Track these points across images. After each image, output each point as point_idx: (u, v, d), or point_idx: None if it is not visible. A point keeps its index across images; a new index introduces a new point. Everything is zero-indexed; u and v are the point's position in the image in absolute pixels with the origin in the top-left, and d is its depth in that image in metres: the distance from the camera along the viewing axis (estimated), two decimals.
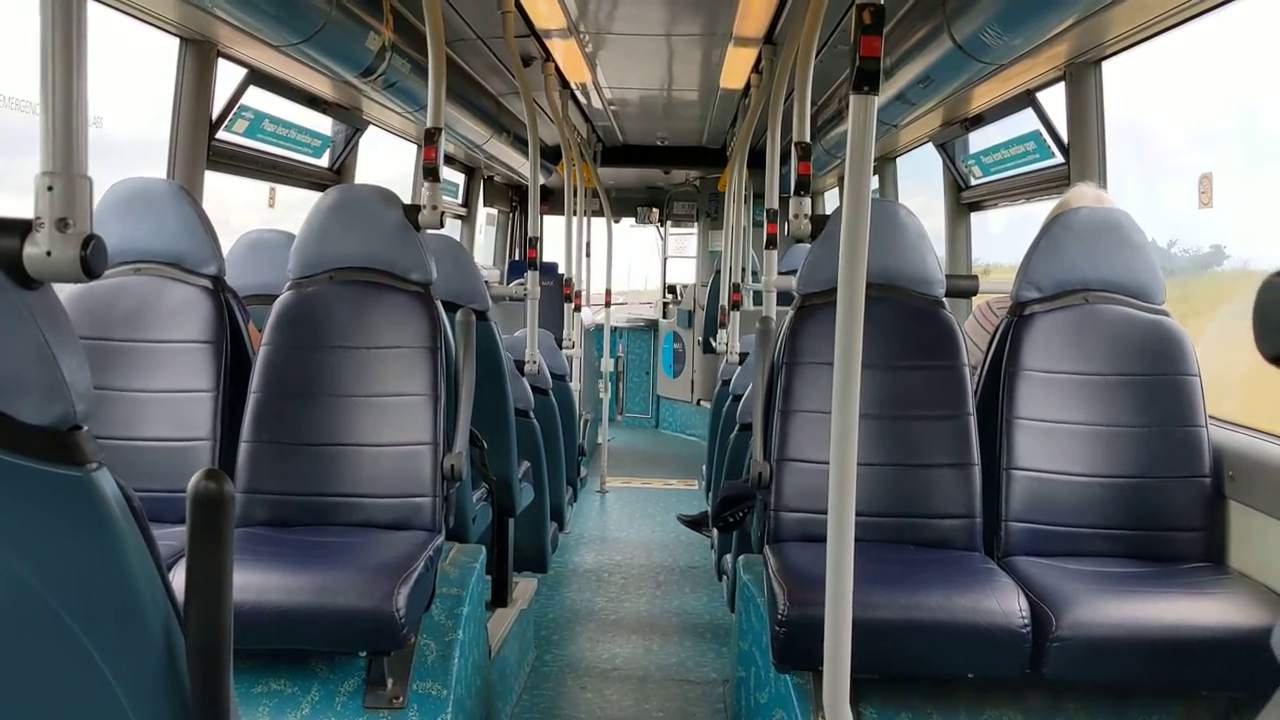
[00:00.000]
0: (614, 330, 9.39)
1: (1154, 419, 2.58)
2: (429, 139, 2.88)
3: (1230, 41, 2.91)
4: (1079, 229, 2.70)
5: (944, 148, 4.64)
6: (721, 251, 7.16)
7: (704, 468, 6.26)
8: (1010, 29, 2.83)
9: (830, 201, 8.08)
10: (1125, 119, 3.44)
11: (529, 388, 4.31)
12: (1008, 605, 2.19)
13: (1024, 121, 3.90)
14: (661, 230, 10.66)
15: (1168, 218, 3.33)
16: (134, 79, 3.62)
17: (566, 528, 5.61)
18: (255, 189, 4.22)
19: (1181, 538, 2.52)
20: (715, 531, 4.76)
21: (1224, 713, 2.25)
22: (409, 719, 2.39)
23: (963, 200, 4.64)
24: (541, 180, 5.24)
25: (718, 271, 7.43)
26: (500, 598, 3.61)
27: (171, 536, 2.25)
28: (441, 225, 2.87)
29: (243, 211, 4.46)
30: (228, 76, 3.64)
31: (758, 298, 5.14)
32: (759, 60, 4.85)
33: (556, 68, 5.31)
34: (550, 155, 7.92)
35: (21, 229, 0.98)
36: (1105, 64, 3.38)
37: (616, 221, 9.72)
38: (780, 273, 4.21)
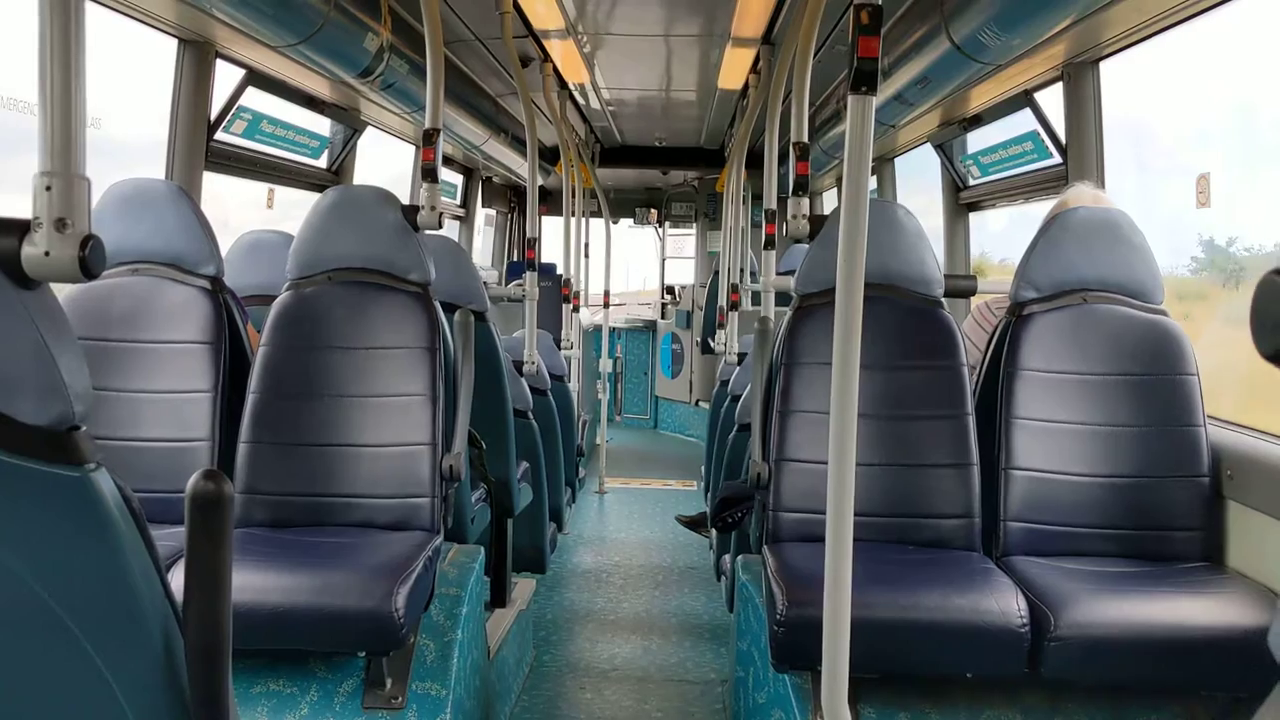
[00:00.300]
0: (612, 331, 9.40)
1: (1152, 419, 2.58)
2: (427, 140, 2.88)
3: (1230, 42, 2.91)
4: (1077, 229, 2.70)
5: (942, 148, 4.64)
6: (720, 252, 7.16)
7: (702, 468, 6.27)
8: (1008, 29, 2.83)
9: (828, 202, 8.08)
10: (1124, 118, 3.44)
11: (527, 388, 4.31)
12: (1006, 605, 2.19)
13: (1022, 122, 3.90)
14: (660, 231, 10.66)
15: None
16: (133, 80, 3.62)
17: (565, 528, 5.61)
18: (254, 187, 4.22)
19: (1180, 537, 2.53)
20: (714, 532, 4.76)
21: (1222, 712, 2.25)
22: (408, 719, 2.39)
23: (961, 200, 4.64)
24: (540, 181, 5.24)
25: (716, 272, 7.42)
26: (499, 598, 3.61)
27: (170, 537, 2.26)
28: (440, 226, 2.87)
29: (241, 210, 4.47)
30: (226, 77, 3.64)
31: (756, 298, 5.14)
32: (757, 61, 4.85)
33: (555, 68, 5.31)
34: (549, 156, 7.92)
35: (20, 229, 0.98)
36: (1103, 64, 3.39)
37: (615, 222, 9.73)
38: (778, 273, 4.22)
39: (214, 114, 3.57)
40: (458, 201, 7.54)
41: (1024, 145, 3.92)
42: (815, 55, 3.17)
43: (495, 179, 8.42)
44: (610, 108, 6.86)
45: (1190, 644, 2.13)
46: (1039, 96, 3.75)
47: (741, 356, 5.09)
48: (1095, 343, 2.64)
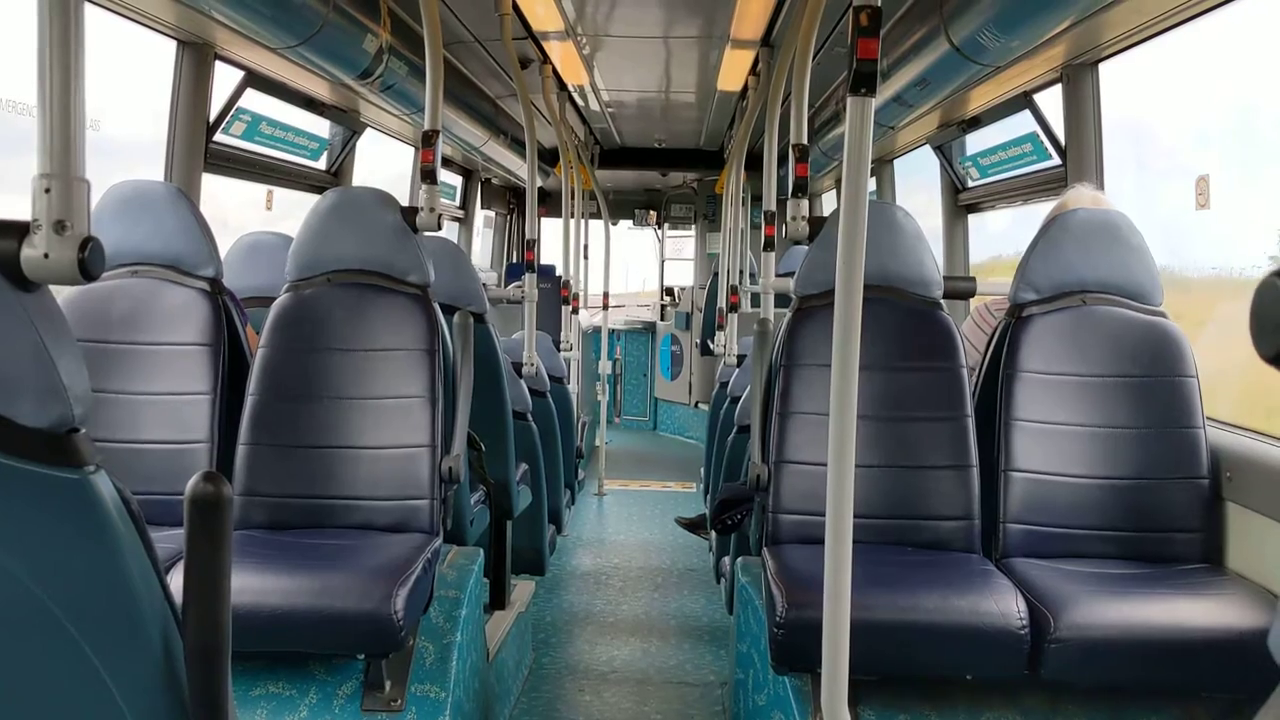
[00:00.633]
0: (612, 333, 9.40)
1: (1152, 420, 2.58)
2: (426, 141, 2.88)
3: (1229, 42, 2.91)
4: (1076, 230, 2.70)
5: (941, 149, 4.64)
6: (719, 254, 7.16)
7: (702, 470, 6.26)
8: (1007, 31, 2.83)
9: (828, 203, 8.08)
10: (1123, 118, 3.44)
11: (527, 390, 4.31)
12: (1006, 607, 2.19)
13: (1021, 123, 3.90)
14: (659, 232, 10.66)
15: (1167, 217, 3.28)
16: (132, 81, 3.61)
17: (564, 530, 5.61)
18: (253, 188, 4.22)
19: (1179, 539, 2.53)
20: (713, 534, 4.76)
21: (1222, 714, 2.25)
22: None
23: (960, 202, 4.64)
24: (539, 182, 5.24)
25: (715, 274, 7.43)
26: (498, 600, 3.61)
27: (169, 539, 2.26)
28: (439, 228, 2.87)
29: (240, 210, 4.47)
30: (225, 79, 3.64)
31: (755, 300, 5.14)
32: (756, 62, 4.85)
33: (554, 70, 5.31)
34: (548, 157, 7.92)
35: (19, 231, 0.98)
36: (1102, 66, 3.39)
37: (614, 224, 9.73)
38: (778, 275, 4.21)
39: (213, 116, 3.57)
40: (457, 203, 7.54)
41: (1023, 147, 3.92)
42: (814, 57, 3.17)
43: (494, 180, 8.42)
44: (609, 109, 6.86)
45: (1190, 646, 2.13)
46: (1038, 98, 3.75)
47: (741, 358, 5.09)
48: (1094, 344, 2.64)
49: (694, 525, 5.73)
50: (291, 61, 3.47)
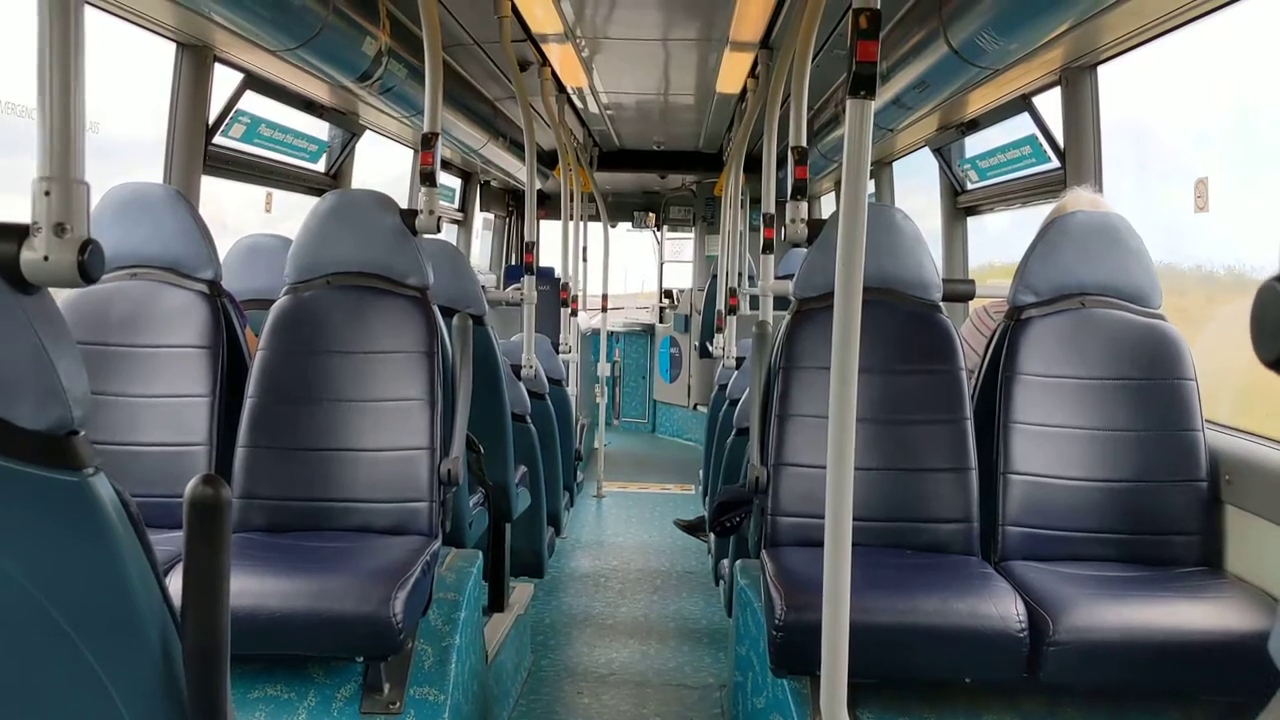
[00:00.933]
0: (610, 335, 9.39)
1: (1151, 423, 2.58)
2: (425, 144, 2.89)
3: (1228, 43, 2.92)
4: (1075, 233, 2.70)
5: (940, 152, 4.64)
6: (718, 256, 7.16)
7: (701, 472, 6.26)
8: (1006, 34, 2.83)
9: (827, 206, 8.09)
10: (1123, 120, 3.44)
11: (525, 392, 4.31)
12: (1005, 610, 2.19)
13: (1020, 126, 3.91)
14: (658, 235, 10.66)
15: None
16: (131, 81, 3.61)
17: (563, 533, 5.61)
18: (252, 190, 4.22)
19: (1178, 542, 2.53)
20: (712, 536, 4.76)
21: (1221, 717, 2.25)
22: None
23: (959, 204, 4.65)
24: (538, 185, 5.25)
25: (714, 276, 7.43)
26: (497, 603, 3.61)
27: (168, 542, 2.25)
28: (438, 230, 2.87)
29: (240, 213, 4.46)
30: (224, 81, 3.64)
31: (754, 302, 5.15)
32: (755, 65, 4.85)
33: (553, 72, 5.31)
34: (547, 160, 7.93)
35: (18, 233, 0.98)
36: (1101, 68, 3.39)
37: (613, 226, 9.73)
38: (777, 277, 4.21)
39: (212, 118, 3.57)
40: (456, 205, 7.54)
41: (1022, 149, 3.92)
42: (813, 59, 3.17)
43: (493, 183, 8.42)
44: (608, 111, 6.87)
45: (1189, 649, 2.13)
46: (1037, 101, 3.76)
47: (739, 360, 5.09)
48: (1093, 347, 2.64)
49: (693, 527, 5.73)
50: (291, 64, 3.47)
